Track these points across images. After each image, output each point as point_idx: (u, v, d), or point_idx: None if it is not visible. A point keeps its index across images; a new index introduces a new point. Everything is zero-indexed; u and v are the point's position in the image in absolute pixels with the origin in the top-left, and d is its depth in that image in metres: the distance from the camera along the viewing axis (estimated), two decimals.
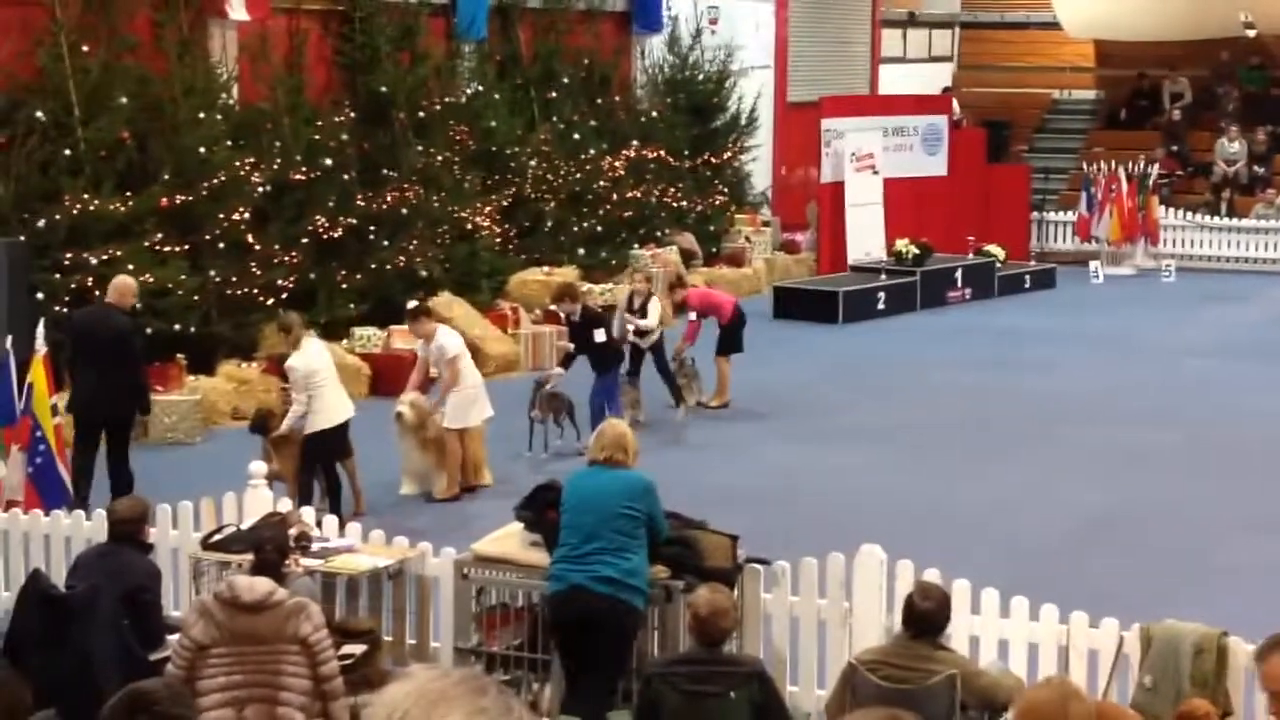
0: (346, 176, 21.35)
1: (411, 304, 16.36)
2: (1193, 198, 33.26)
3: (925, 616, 8.23)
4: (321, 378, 14.38)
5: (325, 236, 20.80)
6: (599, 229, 25.49)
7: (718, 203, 28.23)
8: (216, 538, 10.82)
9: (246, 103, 20.87)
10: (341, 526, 11.41)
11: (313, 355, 14.46)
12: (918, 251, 27.31)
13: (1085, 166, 32.28)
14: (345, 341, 20.38)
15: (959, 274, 27.82)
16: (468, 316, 21.48)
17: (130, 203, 18.49)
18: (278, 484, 13.62)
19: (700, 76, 28.74)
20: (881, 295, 26.32)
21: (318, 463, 14.46)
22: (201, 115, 19.51)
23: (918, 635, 8.24)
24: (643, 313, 18.45)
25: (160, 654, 9.46)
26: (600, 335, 17.40)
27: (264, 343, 19.40)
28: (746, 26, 30.27)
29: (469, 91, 24.07)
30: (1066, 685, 6.76)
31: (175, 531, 11.36)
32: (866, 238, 28.25)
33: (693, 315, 19.51)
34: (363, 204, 21.35)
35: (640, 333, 18.38)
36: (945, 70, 38.36)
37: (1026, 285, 28.82)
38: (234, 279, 19.33)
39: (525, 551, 10.17)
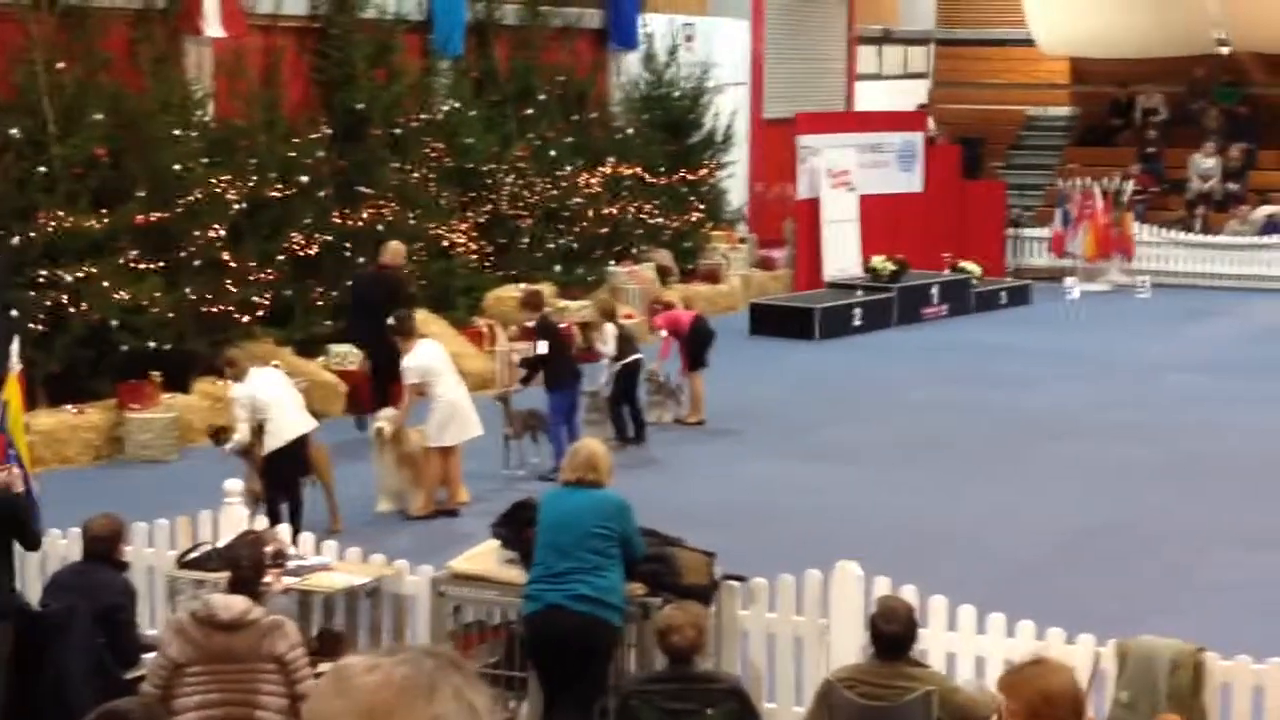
0: (323, 193, 21.32)
1: (389, 321, 16.24)
2: (1167, 214, 33.37)
3: (891, 640, 8.22)
4: (265, 404, 14.29)
5: (301, 253, 20.77)
6: (575, 246, 25.50)
7: (694, 219, 28.25)
8: (192, 556, 10.79)
9: (222, 119, 20.83)
10: (295, 534, 11.41)
11: (256, 384, 14.41)
12: (894, 268, 27.37)
13: (1060, 183, 32.38)
14: (321, 359, 20.36)
15: (935, 290, 27.88)
16: (444, 334, 21.45)
17: (106, 220, 18.45)
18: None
19: (676, 93, 28.77)
20: (858, 312, 26.36)
21: (281, 482, 14.37)
22: (177, 132, 19.47)
23: (887, 658, 8.23)
24: (604, 342, 18.49)
25: (135, 673, 9.44)
26: (542, 347, 17.25)
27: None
28: (722, 43, 30.32)
29: (445, 108, 24.06)
30: (1048, 661, 6.72)
31: (151, 550, 11.33)
32: (842, 254, 28.29)
33: (663, 333, 19.61)
34: (339, 221, 21.33)
35: (616, 359, 18.32)
36: (921, 87, 38.47)
37: (1002, 301, 28.88)
38: (210, 296, 19.29)
39: (502, 569, 10.16)
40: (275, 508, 14.07)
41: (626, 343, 18.42)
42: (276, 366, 16.06)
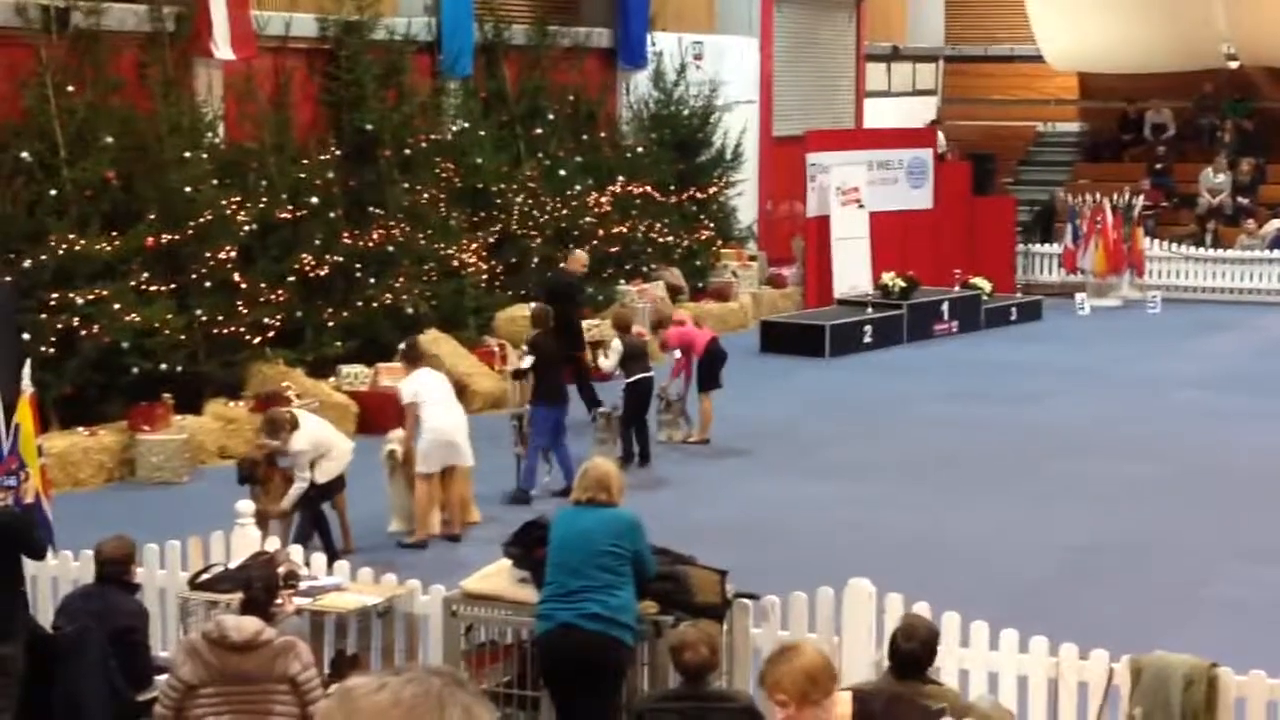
0: (333, 214, 21.35)
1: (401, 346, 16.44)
2: (1178, 229, 33.36)
3: (909, 658, 8.20)
4: (327, 443, 14.54)
5: (312, 275, 20.80)
6: None
7: (704, 237, 28.26)
8: (204, 577, 10.78)
9: (232, 142, 20.88)
10: (331, 562, 11.41)
11: (313, 429, 14.57)
12: (904, 284, 27.34)
13: (1070, 198, 32.36)
14: (332, 379, 20.37)
15: (945, 307, 27.85)
16: (455, 353, 21.48)
17: (116, 242, 18.48)
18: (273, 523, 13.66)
19: (685, 112, 28.79)
20: (868, 329, 26.34)
21: (319, 510, 14.48)
22: (187, 154, 19.51)
23: (902, 676, 8.21)
24: (606, 356, 18.47)
25: (148, 694, 9.44)
26: (525, 361, 17.29)
27: (251, 381, 19.48)
28: (731, 61, 30.33)
29: (455, 128, 24.10)
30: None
31: (163, 571, 11.33)
32: (852, 271, 28.28)
33: (676, 353, 19.57)
34: (349, 242, 21.36)
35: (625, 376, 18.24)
36: (930, 103, 38.49)
37: (1013, 318, 28.85)
38: (221, 318, 19.32)
39: (514, 588, 10.15)
40: (311, 531, 14.17)
41: (634, 360, 18.29)
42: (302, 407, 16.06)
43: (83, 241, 18.12)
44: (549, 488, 16.90)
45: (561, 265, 21.76)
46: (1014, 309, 29.06)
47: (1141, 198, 31.81)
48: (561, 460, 16.82)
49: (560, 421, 17.10)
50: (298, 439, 14.35)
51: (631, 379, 18.11)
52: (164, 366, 18.51)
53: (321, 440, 14.56)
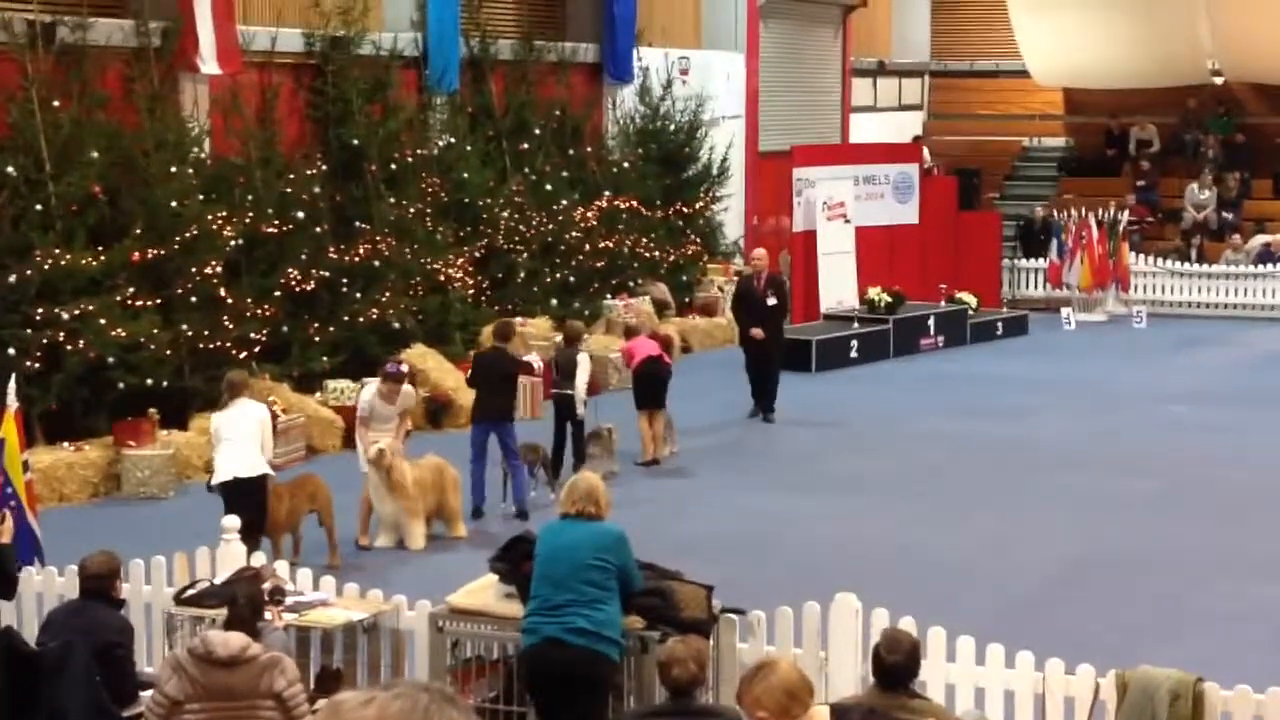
0: (319, 229, 21.34)
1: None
2: (1163, 244, 33.44)
3: (892, 670, 8.18)
4: (217, 438, 14.41)
5: (298, 289, 20.78)
6: (572, 280, 25.52)
7: (690, 252, 28.28)
8: (190, 593, 10.76)
9: (218, 156, 20.86)
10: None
11: (221, 417, 14.48)
12: (890, 299, 27.37)
13: (1055, 213, 32.42)
14: (319, 394, 20.35)
15: (931, 322, 27.88)
16: (440, 368, 21.48)
17: (102, 257, 18.46)
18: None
19: (672, 127, 28.83)
20: (854, 343, 26.35)
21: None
22: (173, 169, 19.50)
23: (888, 688, 8.20)
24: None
25: (133, 710, 9.41)
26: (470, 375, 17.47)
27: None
28: (717, 77, 30.39)
29: (441, 144, 24.11)
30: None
31: (148, 587, 11.30)
32: (839, 286, 28.29)
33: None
34: (335, 257, 21.35)
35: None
36: (916, 119, 38.56)
37: (999, 332, 28.88)
38: (206, 332, 19.29)
39: (500, 603, 10.13)
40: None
41: (561, 374, 18.07)
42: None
43: (68, 256, 18.09)
44: (535, 500, 16.82)
45: (755, 271, 22.12)
46: (1000, 324, 29.10)
47: (1126, 213, 31.89)
48: (513, 475, 16.74)
49: (501, 439, 16.77)
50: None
51: (553, 391, 18.03)
52: (149, 381, 18.48)
53: (217, 432, 14.39)
